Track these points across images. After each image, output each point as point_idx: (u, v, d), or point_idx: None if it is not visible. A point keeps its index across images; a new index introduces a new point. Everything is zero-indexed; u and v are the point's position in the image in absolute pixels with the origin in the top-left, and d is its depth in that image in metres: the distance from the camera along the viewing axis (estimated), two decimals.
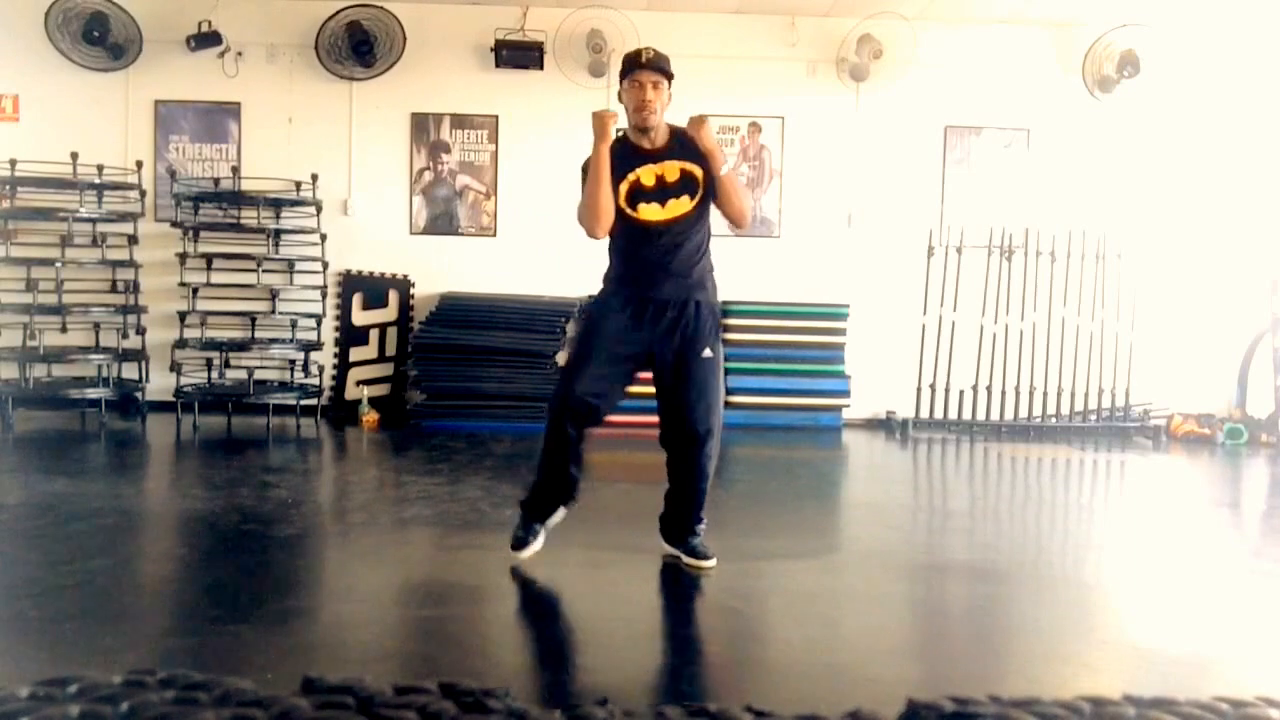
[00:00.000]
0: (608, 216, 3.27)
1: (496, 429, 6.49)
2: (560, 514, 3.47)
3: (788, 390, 7.09)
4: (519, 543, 3.41)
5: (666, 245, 3.31)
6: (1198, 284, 7.32)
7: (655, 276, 3.33)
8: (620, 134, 3.40)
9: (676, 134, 3.38)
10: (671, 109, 3.41)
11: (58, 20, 6.80)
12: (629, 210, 3.31)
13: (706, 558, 3.41)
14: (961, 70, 7.31)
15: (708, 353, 3.33)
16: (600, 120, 3.25)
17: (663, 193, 3.29)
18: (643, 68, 3.27)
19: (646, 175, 3.29)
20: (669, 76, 3.31)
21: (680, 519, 3.46)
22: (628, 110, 3.31)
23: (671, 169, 3.30)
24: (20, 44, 6.91)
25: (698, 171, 3.31)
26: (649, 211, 3.29)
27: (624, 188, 3.30)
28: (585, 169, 3.34)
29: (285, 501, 4.40)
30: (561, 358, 6.96)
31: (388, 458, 5.98)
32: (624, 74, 3.32)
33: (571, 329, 6.98)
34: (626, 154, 3.34)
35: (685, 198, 3.30)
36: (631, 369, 3.40)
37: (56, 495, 4.36)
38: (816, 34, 7.21)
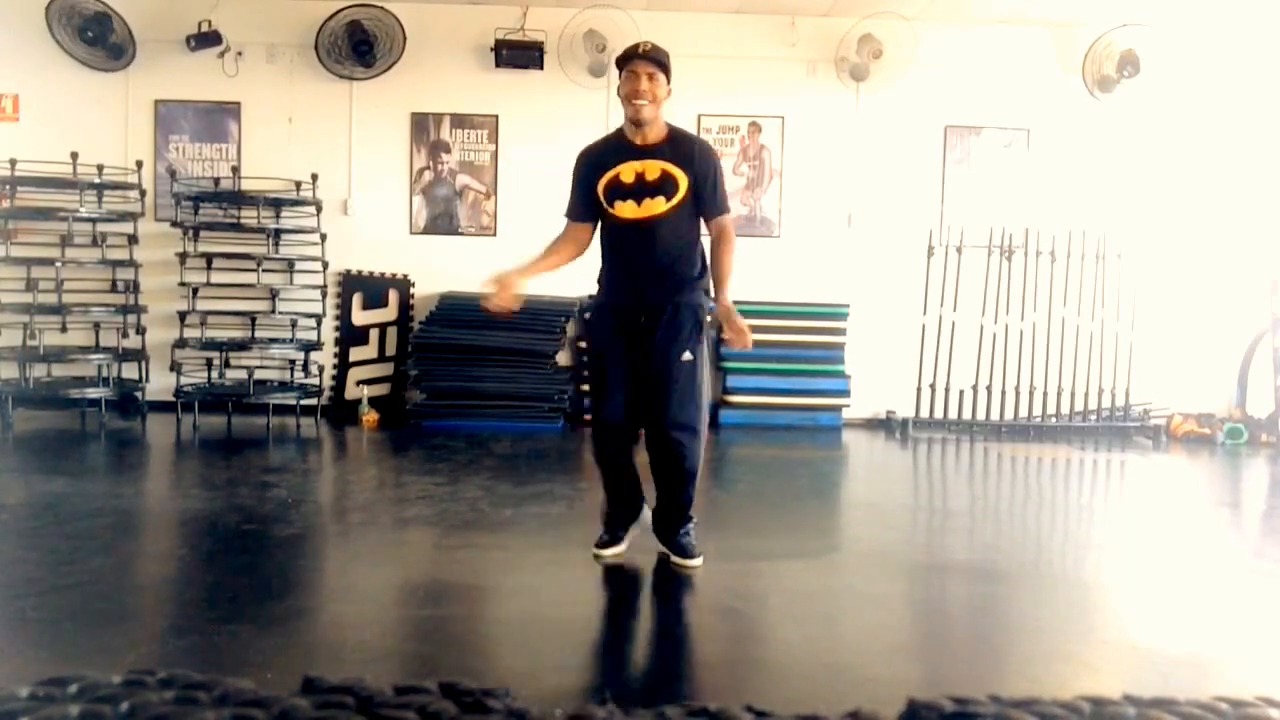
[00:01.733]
0: (565, 259, 3.42)
1: (496, 429, 6.49)
2: (644, 516, 3.54)
3: (788, 390, 7.09)
4: (601, 544, 3.51)
5: (644, 244, 3.29)
6: (1198, 284, 7.32)
7: (634, 278, 3.33)
8: (615, 130, 3.41)
9: (673, 135, 3.36)
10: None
11: (58, 16, 6.80)
12: (608, 207, 3.31)
13: (691, 556, 3.41)
14: (961, 70, 7.31)
15: (686, 355, 3.30)
16: (500, 292, 3.33)
17: (640, 191, 3.27)
18: (639, 58, 3.27)
19: (627, 172, 3.28)
20: (666, 70, 3.30)
21: (667, 519, 3.47)
22: (624, 104, 3.30)
23: (654, 168, 3.27)
24: (20, 44, 6.91)
25: (680, 176, 3.26)
26: (624, 209, 3.28)
27: (603, 183, 3.30)
28: (574, 171, 3.42)
29: (285, 501, 4.40)
30: (562, 358, 6.97)
31: (388, 458, 5.98)
32: (620, 65, 3.31)
33: (571, 329, 6.99)
34: (615, 149, 3.34)
35: (661, 199, 3.26)
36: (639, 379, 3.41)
37: (56, 495, 4.36)
38: (816, 34, 7.21)
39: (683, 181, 3.27)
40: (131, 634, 2.72)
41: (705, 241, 3.43)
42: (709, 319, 3.36)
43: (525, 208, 7.21)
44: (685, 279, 3.34)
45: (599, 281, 3.49)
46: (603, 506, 3.55)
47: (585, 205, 3.39)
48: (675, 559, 3.43)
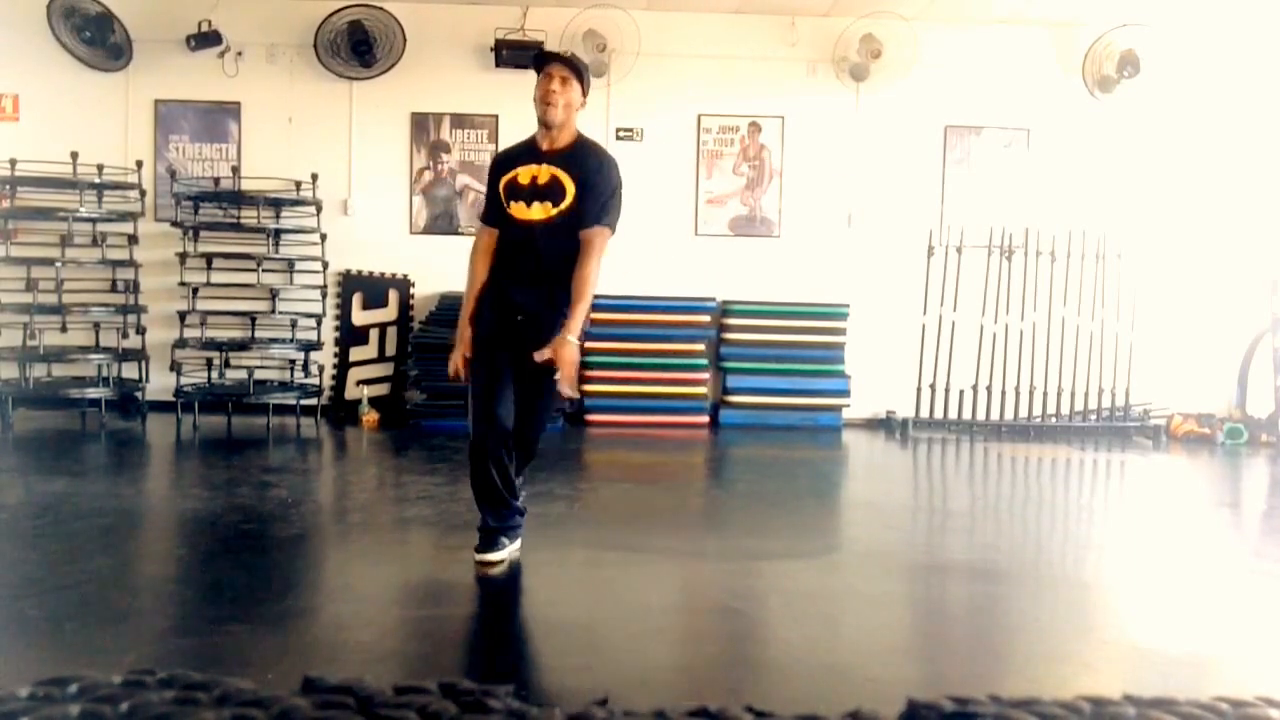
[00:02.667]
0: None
1: None
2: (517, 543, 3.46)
3: (788, 390, 7.09)
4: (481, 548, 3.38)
5: (525, 247, 3.28)
6: (1198, 284, 7.32)
7: (516, 277, 3.32)
8: (531, 135, 3.40)
9: (579, 144, 3.34)
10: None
11: (59, 16, 6.79)
12: (505, 206, 3.31)
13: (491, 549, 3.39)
14: (961, 70, 7.31)
15: (546, 354, 3.18)
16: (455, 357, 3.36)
17: (531, 194, 3.27)
18: (556, 60, 3.31)
19: (524, 174, 3.29)
20: (582, 78, 3.31)
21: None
22: (534, 104, 3.30)
23: (545, 172, 3.26)
24: (21, 44, 6.91)
25: (568, 183, 3.23)
26: (516, 209, 3.28)
27: (504, 182, 3.31)
28: (489, 172, 3.44)
29: (285, 501, 4.40)
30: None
31: (388, 458, 5.97)
32: (537, 67, 3.33)
33: None
34: (523, 151, 3.35)
35: (548, 204, 3.24)
36: (511, 368, 3.32)
37: (56, 495, 4.36)
38: (816, 34, 7.21)
39: (570, 189, 3.23)
40: (131, 634, 2.72)
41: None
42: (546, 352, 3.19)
43: None
44: (561, 290, 3.24)
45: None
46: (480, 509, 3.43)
47: (494, 207, 3.39)
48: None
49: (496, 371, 3.30)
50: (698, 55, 7.19)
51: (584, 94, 3.34)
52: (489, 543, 3.37)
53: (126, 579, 3.33)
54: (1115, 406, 7.28)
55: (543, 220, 3.24)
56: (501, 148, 3.49)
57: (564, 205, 3.24)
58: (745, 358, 7.14)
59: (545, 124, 3.28)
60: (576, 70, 3.30)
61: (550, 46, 6.98)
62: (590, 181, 3.23)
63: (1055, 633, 2.95)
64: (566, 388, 3.22)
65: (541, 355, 3.14)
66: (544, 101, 3.24)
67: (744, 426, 6.99)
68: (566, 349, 3.13)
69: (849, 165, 7.35)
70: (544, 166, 3.27)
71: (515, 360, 3.28)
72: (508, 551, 3.40)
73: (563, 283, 3.22)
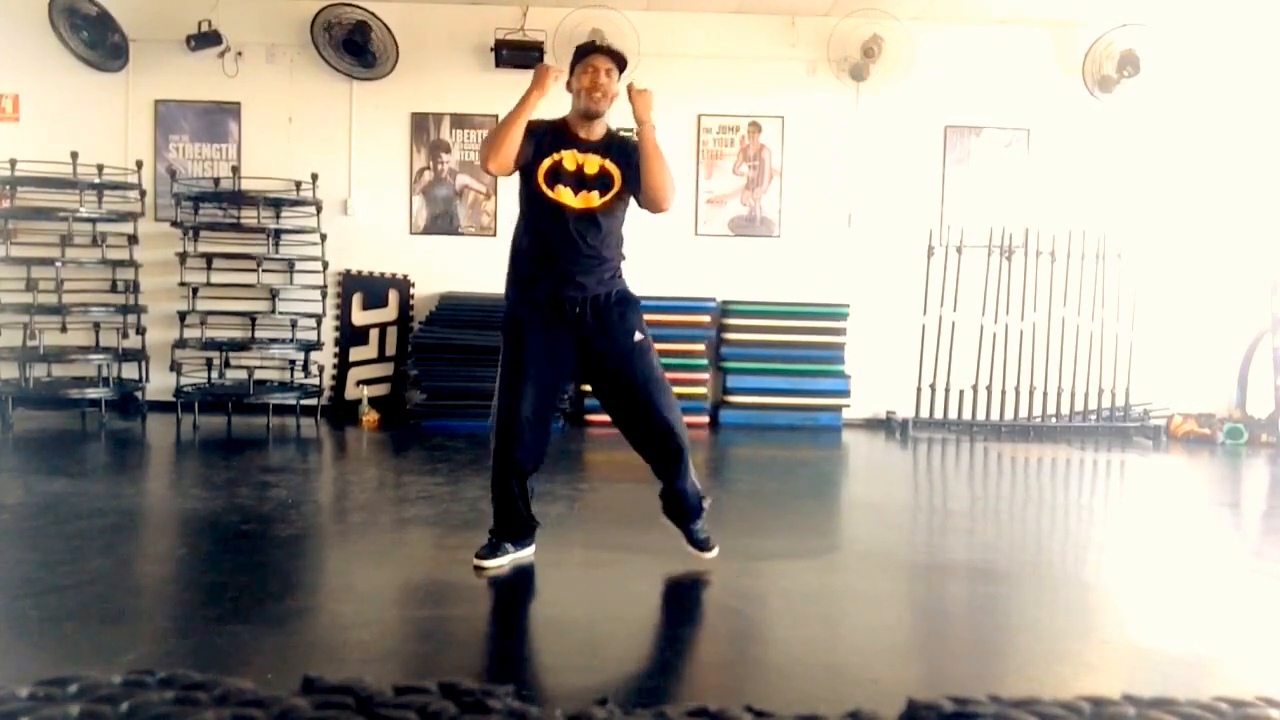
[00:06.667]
0: (508, 152, 3.21)
1: None
2: (530, 549, 3.46)
3: (788, 390, 7.09)
4: (481, 554, 3.36)
5: (577, 233, 3.27)
6: (1198, 284, 7.32)
7: (565, 267, 3.27)
8: (557, 119, 3.38)
9: (612, 134, 3.40)
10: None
11: (59, 16, 6.79)
12: (546, 189, 3.28)
13: (703, 550, 3.43)
14: (961, 70, 7.31)
15: (639, 336, 3.32)
16: (542, 72, 3.26)
17: (578, 182, 3.28)
18: (600, 52, 3.33)
19: (569, 160, 3.28)
20: (622, 66, 3.34)
21: (676, 510, 3.47)
22: (576, 96, 3.31)
23: (592, 162, 3.29)
24: (21, 44, 6.91)
25: (616, 172, 3.29)
26: (563, 194, 3.27)
27: (545, 165, 3.28)
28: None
29: (285, 501, 4.40)
30: None
31: (388, 458, 5.98)
32: (577, 59, 3.34)
33: None
34: (559, 136, 3.34)
35: (596, 193, 3.29)
36: (562, 384, 3.37)
37: (56, 495, 4.36)
38: (816, 34, 7.20)
39: (617, 178, 3.30)
40: (131, 634, 2.72)
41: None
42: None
43: None
44: (613, 271, 3.36)
45: (514, 275, 3.38)
46: (494, 513, 3.42)
47: (525, 162, 3.29)
48: (688, 547, 3.45)
49: (543, 391, 3.30)
50: (697, 55, 7.19)
51: (620, 77, 3.38)
52: (491, 548, 3.37)
53: (126, 579, 3.33)
54: (1115, 406, 7.28)
55: (590, 209, 3.28)
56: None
57: (611, 194, 3.30)
58: (745, 358, 7.14)
59: (590, 115, 3.30)
60: (621, 62, 3.34)
61: (550, 47, 7.00)
62: (634, 162, 3.31)
63: (1055, 633, 2.95)
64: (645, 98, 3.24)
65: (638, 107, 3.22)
66: (592, 92, 3.27)
67: (744, 426, 6.99)
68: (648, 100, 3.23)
69: (849, 165, 7.35)
70: (590, 156, 3.29)
71: (584, 366, 3.32)
72: (509, 559, 3.39)
73: (609, 265, 3.33)
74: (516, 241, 3.39)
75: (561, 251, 3.28)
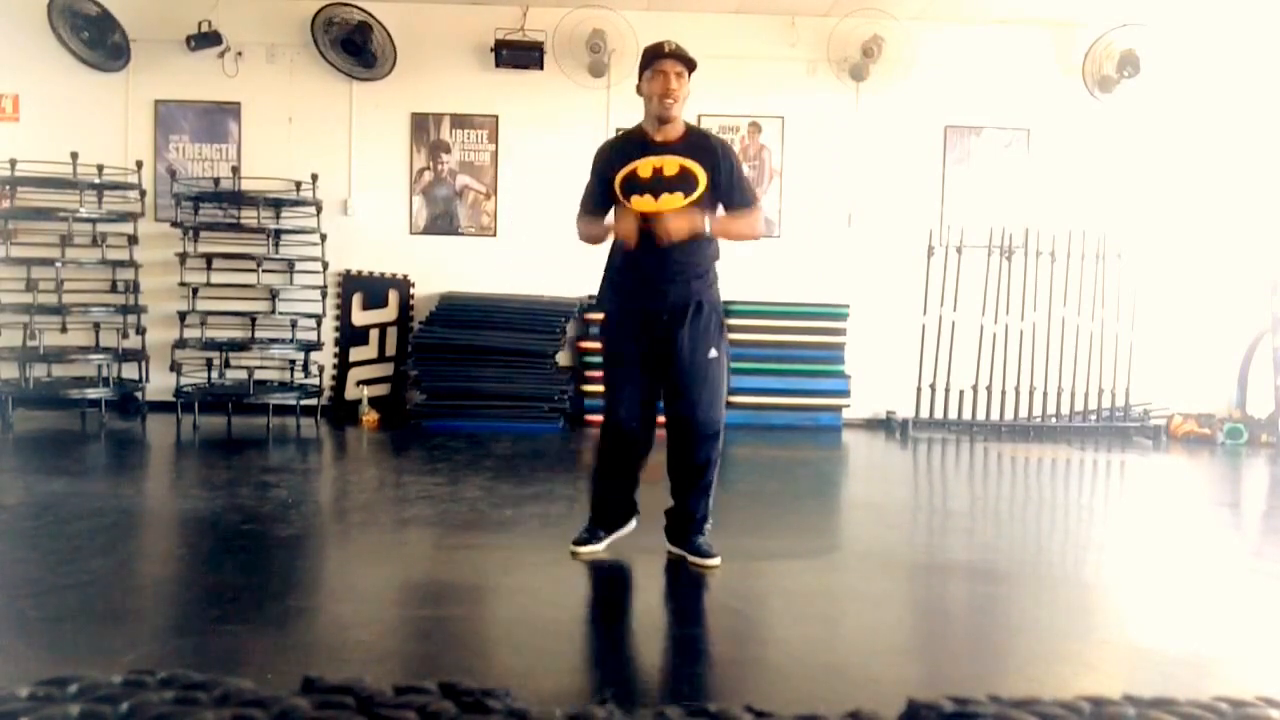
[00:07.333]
0: (597, 245, 3.45)
1: (496, 429, 6.49)
2: (630, 526, 3.57)
3: (788, 390, 7.09)
4: (579, 540, 3.52)
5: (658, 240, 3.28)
6: (1198, 284, 7.32)
7: (652, 275, 3.31)
8: (633, 127, 3.44)
9: (691, 132, 3.42)
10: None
11: (59, 16, 6.79)
12: (624, 201, 3.32)
13: (708, 556, 3.41)
14: (961, 70, 7.31)
15: (713, 353, 3.35)
16: (627, 232, 3.28)
17: (657, 185, 3.28)
18: (669, 57, 3.32)
19: (644, 167, 3.30)
20: (691, 67, 3.35)
21: (682, 524, 3.47)
22: (648, 101, 3.33)
23: (672, 164, 3.30)
24: (21, 44, 6.91)
25: (699, 171, 3.30)
26: (641, 203, 3.29)
27: (621, 176, 3.31)
28: (593, 163, 3.43)
29: (285, 501, 4.40)
30: (562, 358, 6.97)
31: (388, 458, 5.98)
32: (646, 64, 3.34)
33: (572, 329, 6.98)
34: (633, 145, 3.37)
35: (680, 194, 3.28)
36: (658, 384, 3.43)
37: (56, 495, 4.36)
38: (816, 34, 7.20)
39: (701, 178, 3.30)
40: (131, 634, 2.72)
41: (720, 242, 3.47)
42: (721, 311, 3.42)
43: (525, 208, 7.21)
44: (702, 275, 3.36)
45: (608, 283, 3.47)
46: (592, 502, 3.58)
47: (602, 197, 3.42)
48: (693, 559, 3.43)
49: (644, 390, 3.41)
50: (697, 55, 7.17)
51: (689, 77, 3.41)
52: (590, 534, 3.53)
53: (126, 579, 3.33)
54: (1115, 406, 7.28)
55: (675, 212, 3.28)
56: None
57: (696, 194, 3.31)
58: (745, 358, 7.12)
59: (664, 119, 3.32)
60: (689, 64, 3.35)
61: (550, 47, 7.01)
62: (722, 166, 3.34)
63: (1055, 633, 2.95)
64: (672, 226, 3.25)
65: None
66: (664, 98, 3.28)
67: (744, 426, 6.98)
68: (688, 218, 3.25)
69: (849, 165, 7.35)
70: (668, 158, 3.30)
71: (663, 360, 3.35)
72: (604, 544, 3.54)
73: (699, 269, 3.35)
74: (612, 247, 3.45)
75: (644, 263, 3.31)
